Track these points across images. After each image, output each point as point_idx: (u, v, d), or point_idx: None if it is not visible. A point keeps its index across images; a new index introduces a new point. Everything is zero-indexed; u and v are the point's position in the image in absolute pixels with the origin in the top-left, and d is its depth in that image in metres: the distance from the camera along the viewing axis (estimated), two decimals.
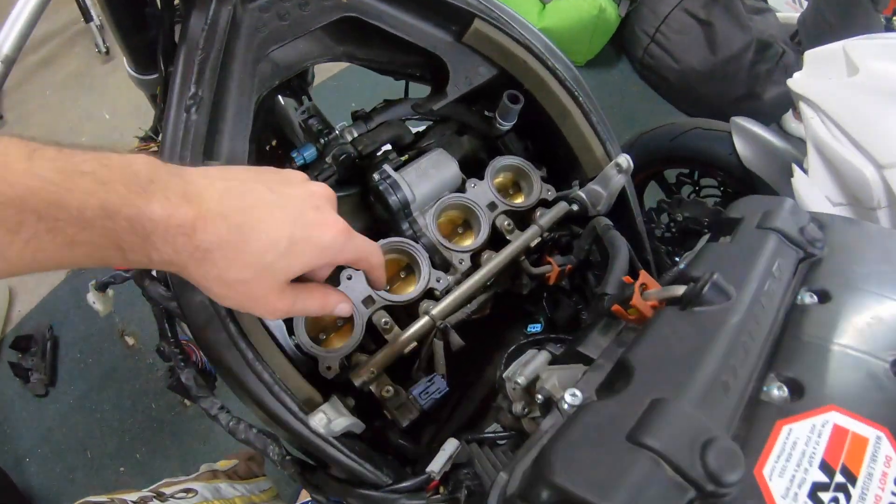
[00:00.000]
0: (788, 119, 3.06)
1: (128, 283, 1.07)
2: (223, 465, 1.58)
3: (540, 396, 0.69)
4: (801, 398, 0.52)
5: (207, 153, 0.79)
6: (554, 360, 0.77)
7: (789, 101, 2.87)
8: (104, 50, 2.91)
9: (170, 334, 0.95)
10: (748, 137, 1.78)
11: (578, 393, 0.59)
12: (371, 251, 0.66)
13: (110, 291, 1.25)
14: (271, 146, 1.39)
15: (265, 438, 0.88)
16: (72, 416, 2.20)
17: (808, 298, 0.65)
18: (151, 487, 1.32)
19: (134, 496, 1.24)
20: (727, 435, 0.48)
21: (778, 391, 0.54)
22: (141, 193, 0.47)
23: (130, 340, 2.30)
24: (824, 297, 0.64)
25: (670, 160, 1.99)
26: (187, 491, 1.32)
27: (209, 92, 0.79)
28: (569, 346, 0.76)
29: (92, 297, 1.22)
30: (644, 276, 0.69)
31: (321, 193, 0.60)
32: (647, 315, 0.67)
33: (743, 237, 0.73)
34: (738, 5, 2.82)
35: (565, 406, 0.59)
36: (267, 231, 0.54)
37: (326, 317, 0.91)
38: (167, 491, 1.30)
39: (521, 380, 0.72)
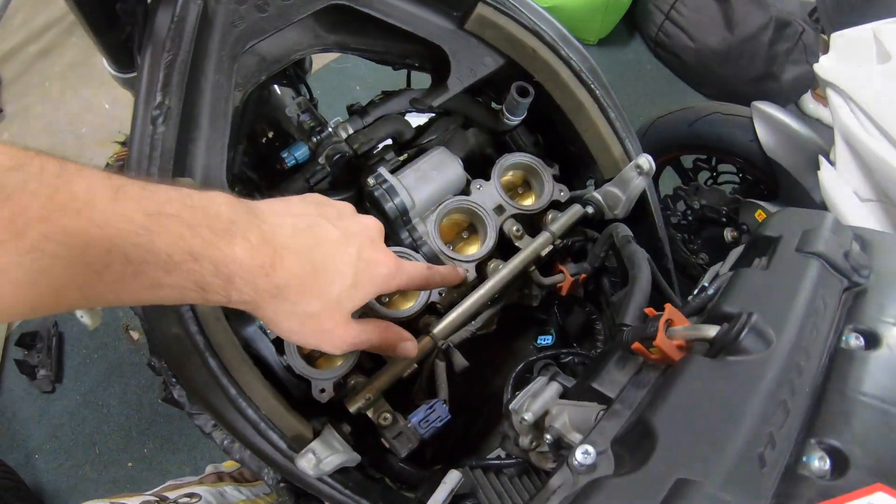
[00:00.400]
0: (807, 100, 2.96)
1: None
2: (229, 465, 1.54)
3: (549, 437, 0.62)
4: (844, 473, 0.45)
5: (178, 169, 0.72)
6: (565, 393, 0.70)
7: (808, 82, 2.77)
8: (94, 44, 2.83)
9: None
10: (771, 124, 1.70)
11: (591, 450, 0.52)
12: (415, 276, 0.68)
13: None
14: (268, 139, 1.32)
15: (260, 461, 0.82)
16: (79, 412, 2.18)
17: (854, 341, 0.57)
18: (154, 490, 1.28)
19: (136, 500, 1.20)
20: None
21: (819, 462, 0.46)
22: (223, 236, 0.48)
23: (135, 335, 2.27)
24: (872, 340, 0.56)
25: (687, 146, 1.92)
26: (191, 496, 1.28)
27: (177, 100, 0.71)
28: (582, 380, 0.68)
29: (80, 312, 1.17)
30: (670, 310, 0.61)
31: (374, 227, 0.63)
32: (673, 358, 0.58)
33: (781, 262, 0.65)
34: None
35: (576, 463, 0.51)
36: (336, 266, 0.57)
37: None
38: (171, 495, 1.26)
39: (529, 416, 0.65)
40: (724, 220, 1.91)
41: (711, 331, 0.56)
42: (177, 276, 0.47)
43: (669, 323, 0.61)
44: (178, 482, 1.35)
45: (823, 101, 2.87)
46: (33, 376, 2.19)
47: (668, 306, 0.62)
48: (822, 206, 1.53)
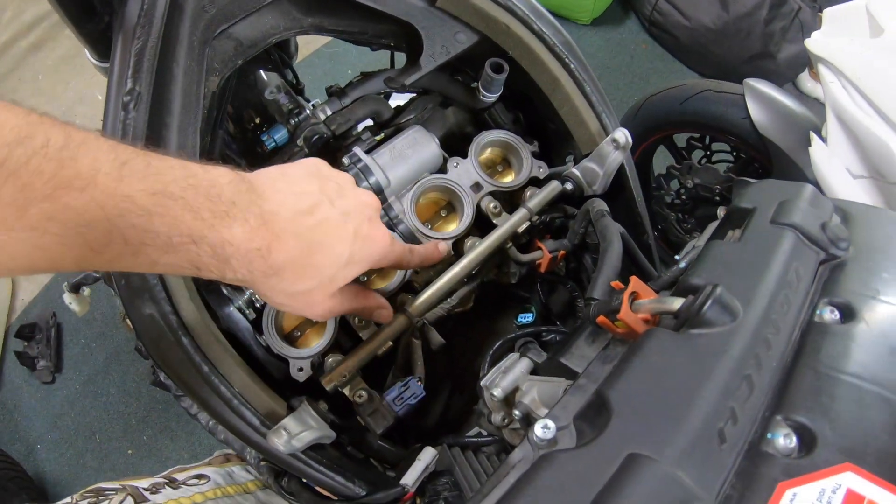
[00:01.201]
0: (804, 79, 2.93)
1: None
2: None
3: (517, 412, 0.62)
4: (812, 451, 0.43)
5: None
6: (536, 369, 0.70)
7: (805, 61, 2.74)
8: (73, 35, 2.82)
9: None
10: (763, 101, 1.68)
11: (551, 425, 0.50)
12: (404, 254, 0.69)
13: (86, 291, 1.20)
14: (255, 124, 1.32)
15: (242, 442, 0.83)
16: (79, 402, 2.20)
17: (829, 314, 0.54)
18: (163, 473, 1.29)
19: (146, 482, 1.21)
20: (714, 502, 0.41)
21: (784, 440, 0.44)
22: (224, 218, 0.49)
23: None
24: (847, 313, 0.54)
25: (680, 124, 1.90)
26: (199, 477, 1.30)
27: (148, 85, 0.72)
28: (551, 356, 0.68)
29: (68, 299, 1.18)
30: (635, 282, 0.60)
31: (371, 204, 0.64)
32: (638, 331, 0.57)
33: (754, 234, 0.62)
34: None
35: (536, 438, 0.51)
36: (332, 247, 0.58)
37: (299, 315, 0.85)
38: (179, 477, 1.27)
39: (498, 392, 0.65)
40: (717, 198, 1.89)
41: (676, 303, 0.55)
42: (174, 257, 0.47)
43: (635, 296, 0.59)
44: (187, 465, 1.37)
45: (821, 80, 2.85)
46: (33, 367, 2.21)
47: (633, 279, 0.61)
48: (815, 184, 1.52)
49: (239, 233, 0.50)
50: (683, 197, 1.99)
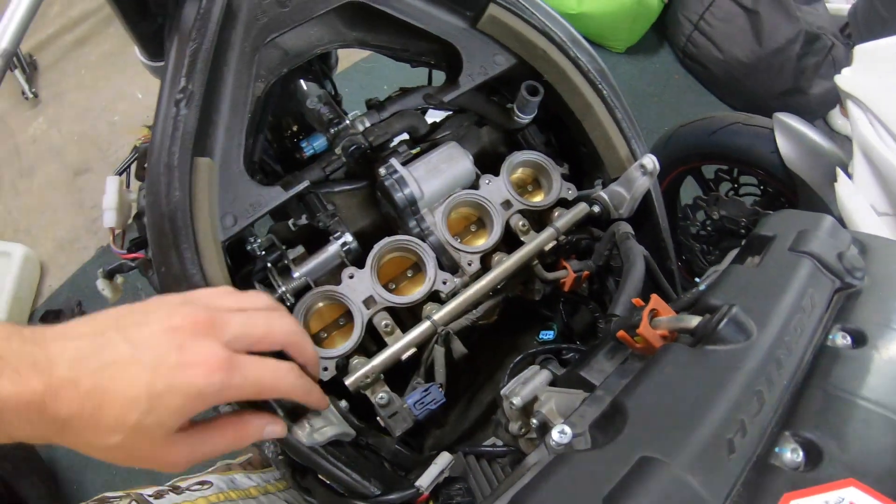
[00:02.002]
0: (835, 116, 2.92)
1: None
2: (239, 459, 1.58)
3: (535, 421, 0.64)
4: (817, 466, 0.45)
5: (198, 149, 0.76)
6: (555, 381, 0.72)
7: (837, 97, 2.73)
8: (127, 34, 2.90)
9: None
10: (791, 136, 1.69)
11: (568, 430, 0.54)
12: (275, 377, 0.57)
13: (119, 279, 1.24)
14: (292, 132, 1.36)
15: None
16: None
17: (841, 340, 0.57)
18: (168, 483, 1.32)
19: (150, 490, 1.24)
20: None
21: (791, 454, 0.46)
22: None
23: None
24: (859, 339, 0.56)
25: (709, 155, 1.91)
26: (202, 483, 1.32)
27: (200, 85, 0.75)
28: (571, 369, 0.70)
29: (101, 285, 1.22)
30: (655, 300, 0.63)
31: (187, 325, 0.52)
32: (655, 346, 0.60)
33: (772, 260, 0.65)
34: None
35: (552, 442, 0.53)
36: (122, 391, 0.48)
37: (327, 316, 0.88)
38: (183, 484, 1.30)
39: (517, 400, 0.67)
40: (743, 231, 1.90)
41: (693, 321, 0.58)
42: None
43: (654, 313, 0.62)
44: (189, 476, 1.40)
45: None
46: None
47: (654, 297, 0.64)
48: (840, 219, 1.52)
49: (7, 385, 0.45)
50: (709, 228, 1.99)
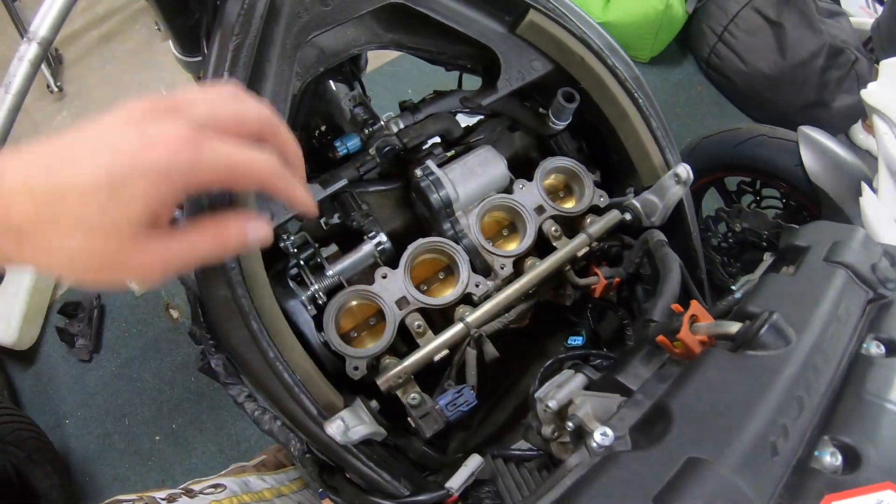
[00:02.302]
0: (857, 130, 2.90)
1: None
2: (253, 461, 1.59)
3: (571, 424, 0.64)
4: (856, 470, 0.46)
5: None
6: (590, 385, 0.72)
7: (859, 112, 2.72)
8: (163, 28, 2.93)
9: (202, 319, 0.94)
10: (816, 149, 1.68)
11: (610, 432, 0.54)
12: (251, 160, 0.48)
13: None
14: (321, 132, 1.37)
15: (288, 432, 0.85)
16: (113, 383, 2.25)
17: (875, 348, 0.58)
18: (181, 486, 1.33)
19: (163, 493, 1.25)
20: None
21: (831, 458, 0.48)
22: None
23: (175, 314, 2.33)
24: (892, 348, 0.58)
25: (732, 167, 1.90)
26: (216, 486, 1.33)
27: (242, 80, 0.75)
28: (607, 373, 0.71)
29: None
30: (695, 306, 0.63)
31: (146, 110, 0.45)
32: (695, 351, 0.61)
33: (808, 270, 0.67)
34: (811, 7, 2.66)
35: (594, 444, 0.54)
36: (80, 182, 0.43)
37: (359, 315, 0.88)
38: (196, 488, 1.31)
39: (553, 403, 0.67)
40: (764, 244, 1.89)
41: (733, 327, 0.59)
42: None
43: (694, 319, 0.63)
44: (202, 479, 1.40)
45: (874, 131, 2.82)
46: (72, 344, 2.27)
47: (693, 303, 0.64)
48: None
49: None
50: (730, 240, 1.98)
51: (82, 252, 0.44)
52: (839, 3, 2.92)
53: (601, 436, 0.54)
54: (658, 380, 0.64)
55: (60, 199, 0.42)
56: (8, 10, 2.68)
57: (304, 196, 0.54)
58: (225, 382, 0.94)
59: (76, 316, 2.30)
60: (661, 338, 0.63)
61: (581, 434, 0.67)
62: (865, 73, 2.65)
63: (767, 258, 1.92)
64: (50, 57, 2.78)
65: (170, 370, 2.25)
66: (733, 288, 0.76)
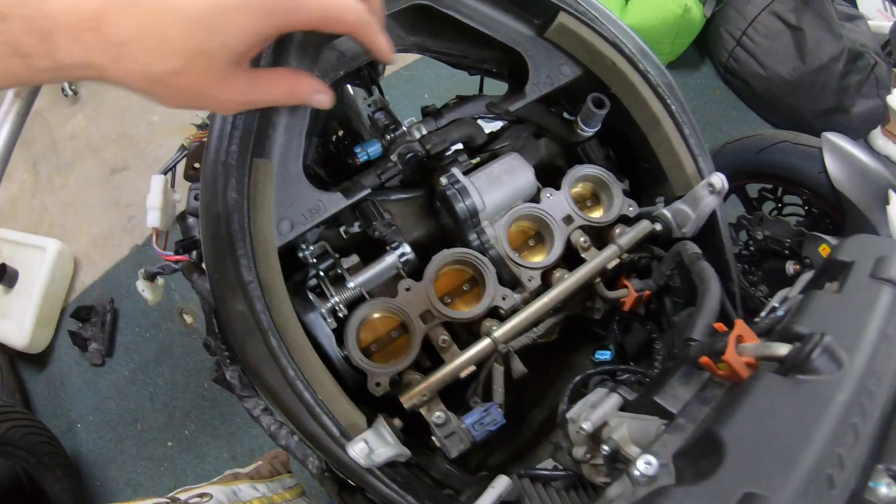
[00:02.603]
0: (876, 136, 2.86)
1: None
2: (248, 468, 1.56)
3: (607, 448, 0.61)
4: None
5: (257, 150, 0.74)
6: (625, 406, 0.69)
7: (879, 117, 2.68)
8: None
9: (217, 330, 0.91)
10: (840, 156, 1.65)
11: (654, 461, 0.51)
12: (341, 4, 0.51)
13: (160, 281, 1.22)
14: (338, 137, 1.34)
15: (306, 448, 0.83)
16: (125, 388, 2.23)
17: None
18: (168, 494, 1.31)
19: (150, 502, 1.23)
20: None
21: (887, 489, 0.46)
22: None
23: (188, 319, 2.31)
24: None
25: (755, 174, 1.87)
26: (202, 496, 1.31)
27: None
28: (643, 394, 0.68)
29: (141, 286, 1.20)
30: (741, 326, 0.60)
31: None
32: (742, 374, 0.57)
33: (854, 287, 0.65)
34: (831, 10, 2.62)
35: (637, 473, 0.51)
36: (186, 7, 0.44)
37: (381, 328, 0.85)
38: (182, 497, 1.29)
39: (588, 426, 0.64)
40: (786, 252, 1.85)
41: (782, 349, 0.56)
42: None
43: (739, 339, 0.60)
44: (191, 486, 1.38)
45: (894, 137, 2.77)
46: (85, 349, 2.26)
47: (738, 322, 0.61)
48: None
49: (55, 4, 0.42)
50: (751, 248, 1.94)
51: (178, 76, 0.46)
52: (857, 7, 2.88)
53: (645, 464, 0.51)
54: (701, 402, 0.60)
55: (166, 23, 0.44)
56: None
57: (385, 44, 0.56)
58: (240, 395, 0.92)
59: (89, 320, 2.30)
60: (704, 359, 0.60)
61: (616, 458, 0.64)
62: (885, 77, 2.61)
63: (789, 266, 1.90)
64: None
65: (183, 376, 2.23)
66: (776, 305, 0.72)
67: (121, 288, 2.40)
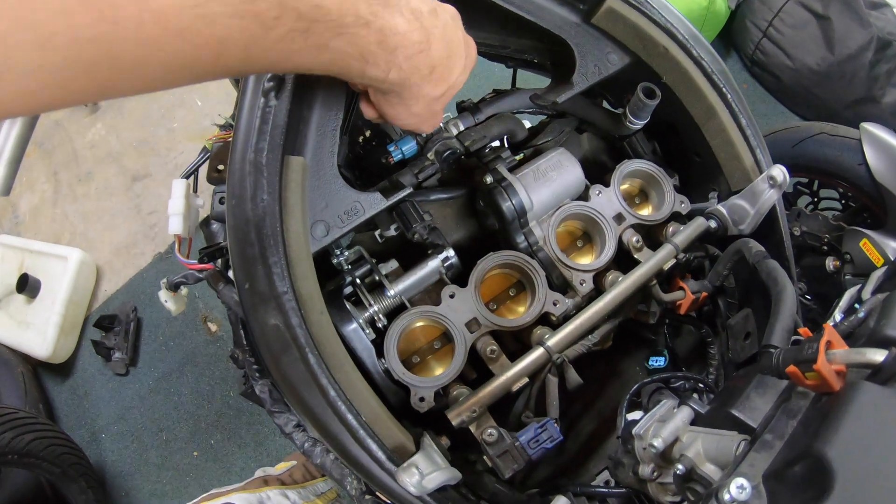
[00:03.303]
0: None
1: None
2: (280, 467, 1.51)
3: (681, 467, 0.56)
4: None
5: (289, 146, 0.68)
6: (696, 419, 0.63)
7: None
8: None
9: (245, 342, 0.86)
10: (881, 147, 1.60)
11: (747, 485, 0.46)
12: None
13: (183, 290, 1.18)
14: (364, 137, 1.29)
15: (343, 468, 0.78)
16: (150, 398, 2.21)
17: None
18: (193, 501, 1.27)
19: None
20: None
21: None
22: (385, 6, 0.49)
23: (213, 327, 2.29)
24: None
25: (791, 167, 1.78)
26: None
27: (291, 85, 0.67)
28: (717, 406, 0.62)
29: (164, 296, 1.16)
30: (830, 331, 0.54)
31: (456, 14, 0.61)
32: (833, 384, 0.51)
33: None
34: None
35: (728, 498, 0.45)
36: (458, 49, 0.58)
37: (422, 338, 0.80)
38: None
39: (658, 443, 0.58)
40: (825, 248, 1.78)
41: (878, 355, 0.51)
42: (343, 41, 0.48)
43: (829, 345, 0.54)
44: (219, 491, 1.34)
45: None
46: (108, 358, 2.25)
47: (827, 327, 0.56)
48: None
49: (402, 23, 0.50)
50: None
51: (436, 101, 0.60)
52: None
53: (737, 488, 0.46)
54: (787, 415, 0.55)
55: (453, 56, 0.57)
56: None
57: None
58: (271, 411, 0.87)
59: (112, 329, 2.28)
60: (792, 368, 0.54)
61: (691, 477, 0.58)
62: None
63: (829, 263, 1.83)
64: None
65: (208, 384, 2.20)
66: (856, 306, 0.66)
67: (144, 296, 2.38)
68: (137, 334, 2.32)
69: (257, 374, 0.86)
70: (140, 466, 2.12)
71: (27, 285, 2.25)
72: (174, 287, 1.19)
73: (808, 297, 1.86)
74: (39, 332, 2.21)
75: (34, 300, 2.28)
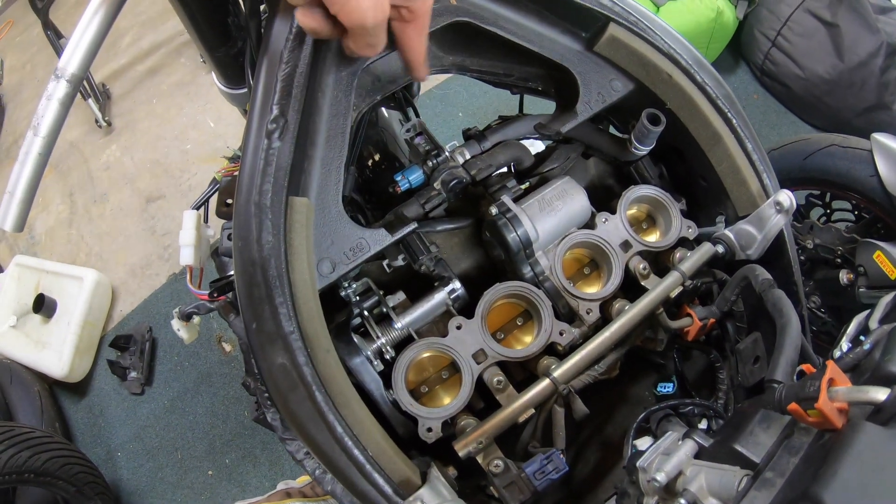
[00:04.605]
0: None
1: None
2: (301, 480, 1.52)
3: (683, 501, 0.55)
4: None
5: (293, 187, 0.68)
6: (700, 453, 0.63)
7: None
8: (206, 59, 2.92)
9: (257, 371, 0.87)
10: (892, 157, 1.58)
11: None
12: None
13: (196, 319, 1.19)
14: (374, 161, 1.30)
15: (353, 497, 0.78)
16: (165, 417, 2.23)
17: None
18: None
19: None
20: None
21: None
22: None
23: (227, 347, 2.30)
24: None
25: (803, 180, 1.79)
26: None
27: (295, 114, 0.67)
28: (720, 440, 0.62)
29: (176, 325, 1.17)
30: (833, 368, 0.54)
31: None
32: (835, 423, 0.51)
33: None
34: (866, 4, 2.53)
35: None
36: None
37: (430, 368, 0.80)
38: None
39: (662, 477, 0.58)
40: (838, 260, 1.77)
41: (881, 394, 0.51)
42: None
43: (831, 382, 0.53)
44: (242, 503, 1.34)
45: None
46: (124, 378, 2.27)
47: (830, 363, 0.55)
48: None
49: None
50: (802, 258, 1.86)
51: None
52: None
53: None
54: (788, 452, 0.54)
55: None
56: (54, 47, 2.72)
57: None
58: (283, 438, 0.88)
59: (128, 349, 2.30)
60: (793, 406, 0.54)
61: None
62: None
63: (842, 276, 1.80)
64: (97, 92, 2.81)
65: (222, 404, 2.22)
66: (862, 338, 0.66)
67: (159, 317, 2.40)
68: (153, 354, 2.34)
69: (269, 402, 0.87)
70: (155, 485, 2.13)
71: (43, 305, 2.27)
72: (186, 317, 1.21)
73: (822, 310, 1.84)
74: (56, 351, 2.24)
75: (50, 320, 2.31)
